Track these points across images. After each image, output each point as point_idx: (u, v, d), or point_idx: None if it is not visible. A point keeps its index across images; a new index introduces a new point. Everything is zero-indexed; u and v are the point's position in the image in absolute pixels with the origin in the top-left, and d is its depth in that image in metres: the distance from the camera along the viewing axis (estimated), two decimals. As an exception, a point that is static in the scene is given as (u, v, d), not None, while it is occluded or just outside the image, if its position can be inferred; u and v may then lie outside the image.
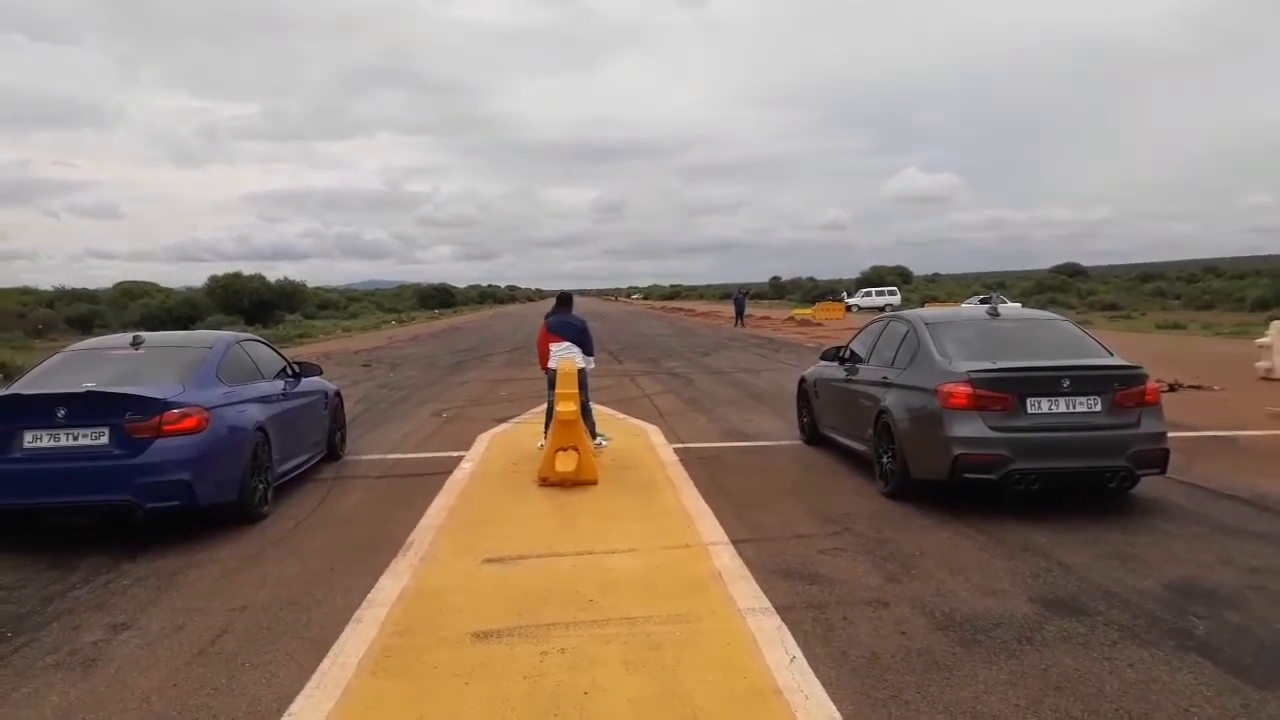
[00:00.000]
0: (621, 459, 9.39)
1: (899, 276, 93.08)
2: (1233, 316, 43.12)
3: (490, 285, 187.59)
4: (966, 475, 6.92)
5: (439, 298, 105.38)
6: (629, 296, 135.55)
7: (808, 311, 52.97)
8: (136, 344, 7.90)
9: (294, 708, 3.88)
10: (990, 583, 5.34)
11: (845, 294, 67.83)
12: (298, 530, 7.02)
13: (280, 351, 9.66)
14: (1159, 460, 7.05)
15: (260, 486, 7.44)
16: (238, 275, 54.24)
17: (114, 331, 47.67)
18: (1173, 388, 14.46)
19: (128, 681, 4.24)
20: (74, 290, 62.72)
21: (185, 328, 46.78)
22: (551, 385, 9.96)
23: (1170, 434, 7.32)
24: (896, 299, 63.45)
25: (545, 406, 10.42)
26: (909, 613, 4.86)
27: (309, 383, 9.44)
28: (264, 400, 8.02)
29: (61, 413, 6.44)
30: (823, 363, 10.41)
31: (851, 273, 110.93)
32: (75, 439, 6.45)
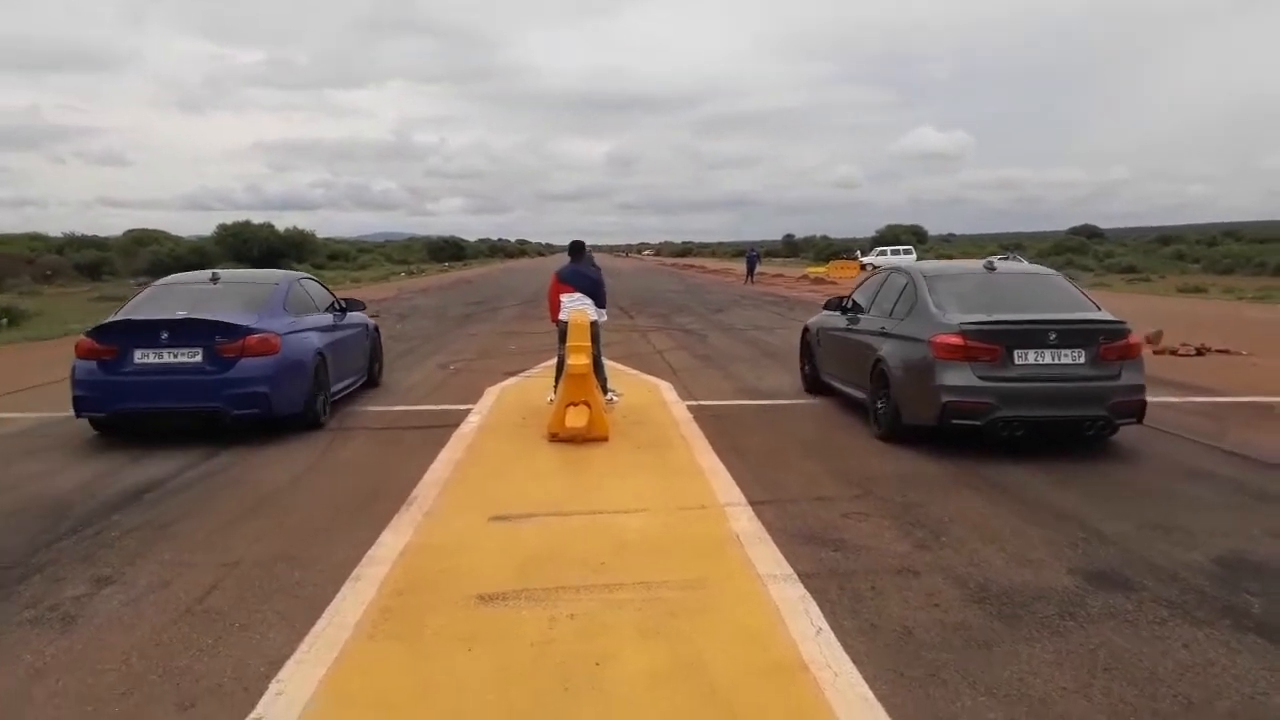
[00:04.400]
0: (633, 415, 9.09)
1: (914, 235, 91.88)
2: (1254, 281, 42.40)
3: (500, 239, 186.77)
4: (954, 421, 7.34)
5: (449, 250, 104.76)
6: (640, 253, 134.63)
7: (821, 269, 52.40)
8: (215, 280, 9.24)
9: (283, 673, 3.62)
10: (1025, 552, 5.04)
11: (859, 252, 66.98)
12: (297, 482, 6.76)
13: (329, 288, 10.85)
14: (1137, 410, 7.44)
15: (320, 400, 8.78)
16: (247, 224, 53.93)
17: (123, 277, 47.80)
18: (1200, 352, 14.06)
19: (107, 641, 3.99)
20: (84, 237, 62.40)
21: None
22: (562, 338, 9.64)
23: (1201, 399, 6.99)
24: (912, 258, 62.67)
25: (555, 360, 10.13)
26: (941, 583, 4.57)
27: (353, 316, 10.63)
28: (320, 329, 9.34)
29: (164, 335, 7.88)
30: (826, 312, 10.49)
31: (865, 231, 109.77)
32: (175, 357, 7.89)
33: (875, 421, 8.27)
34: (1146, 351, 14.42)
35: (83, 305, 28.39)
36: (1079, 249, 73.91)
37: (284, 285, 9.33)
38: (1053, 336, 7.29)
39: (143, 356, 7.89)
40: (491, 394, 10.59)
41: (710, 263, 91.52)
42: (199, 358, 7.89)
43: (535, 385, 11.03)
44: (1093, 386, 7.27)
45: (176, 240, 58.89)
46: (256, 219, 58.93)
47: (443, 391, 11.06)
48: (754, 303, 28.42)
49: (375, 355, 11.48)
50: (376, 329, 11.77)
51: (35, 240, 58.83)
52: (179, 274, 10.88)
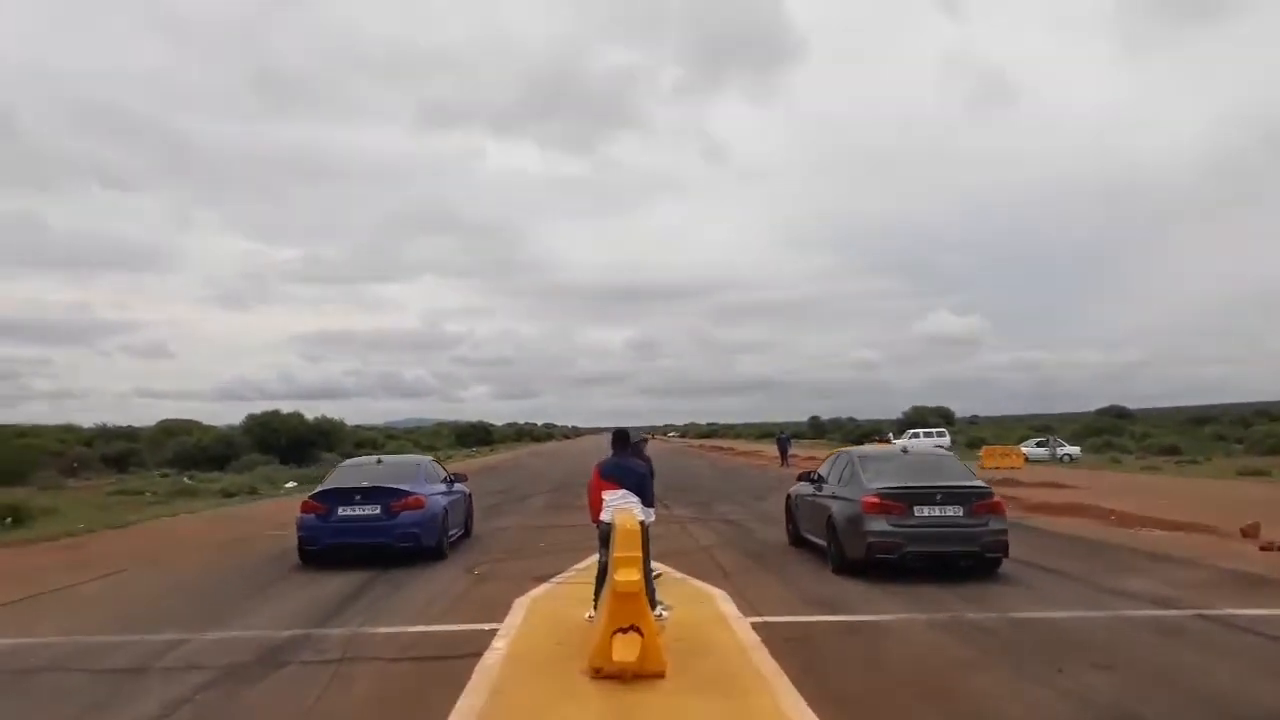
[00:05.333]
0: (690, 639, 7.54)
1: (941, 417, 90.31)
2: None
3: (527, 423, 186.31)
4: (877, 556, 10.34)
5: (476, 435, 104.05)
6: (666, 434, 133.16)
7: (855, 453, 50.76)
8: (379, 462, 14.23)
9: None
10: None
11: (891, 435, 65.46)
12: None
13: (444, 467, 15.70)
14: (1001, 549, 10.55)
15: (445, 540, 13.04)
16: (275, 413, 53.39)
17: (149, 469, 46.99)
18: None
19: None
20: (115, 428, 62.28)
21: (220, 467, 45.88)
22: (604, 542, 8.24)
23: None
24: (946, 440, 61.02)
25: (593, 563, 8.73)
26: None
27: (459, 486, 14.83)
28: (442, 494, 13.54)
29: (357, 497, 12.20)
30: (800, 483, 13.79)
31: (889, 412, 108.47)
32: (363, 510, 12.16)
33: (830, 560, 11.28)
34: (1250, 547, 12.93)
35: (99, 500, 27.27)
36: (1113, 430, 71.97)
37: (423, 464, 14.54)
38: (939, 496, 10.44)
39: (344, 510, 12.24)
40: (521, 607, 9.08)
41: (739, 444, 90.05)
42: (378, 511, 12.21)
43: (570, 595, 9.52)
44: (969, 531, 10.36)
45: (206, 429, 58.52)
46: (290, 407, 58.68)
47: (466, 604, 9.55)
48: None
49: (470, 513, 15.71)
50: (470, 495, 15.79)
51: (67, 432, 58.67)
52: (358, 458, 16.99)
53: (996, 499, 10.81)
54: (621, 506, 8.14)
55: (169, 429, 58.77)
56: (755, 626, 7.99)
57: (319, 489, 13.03)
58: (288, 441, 52.52)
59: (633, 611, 6.49)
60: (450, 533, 13.60)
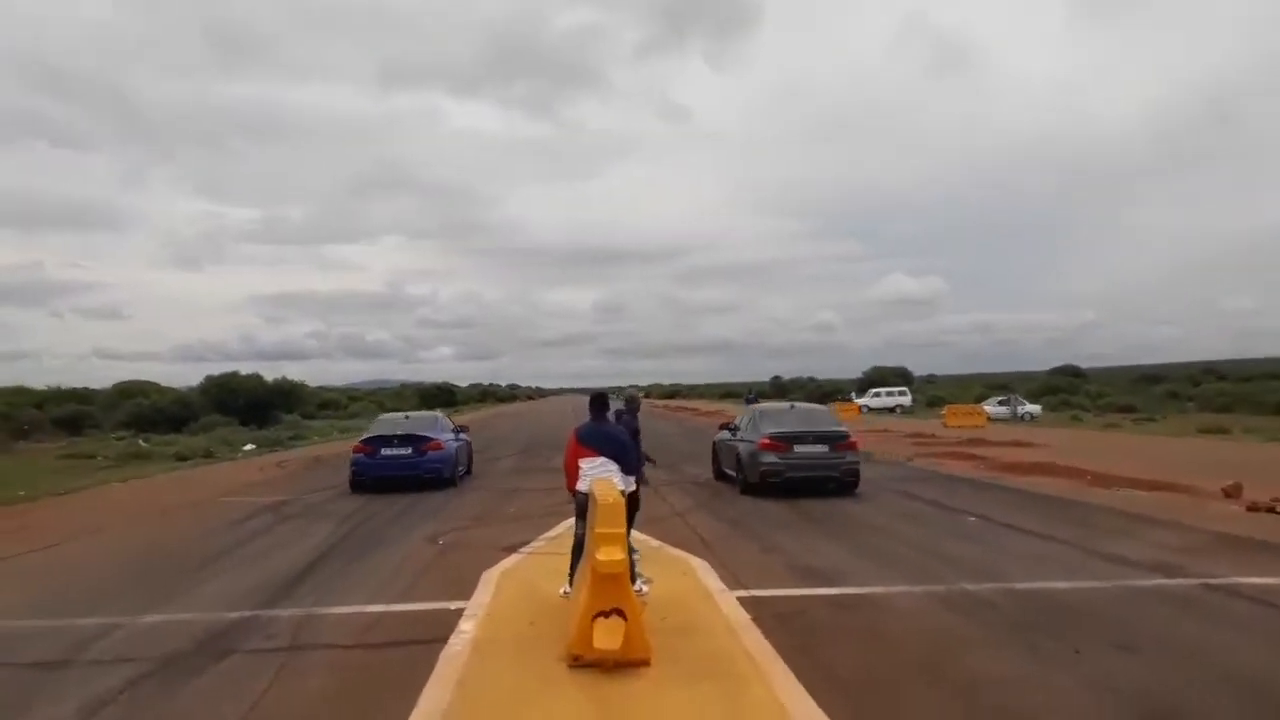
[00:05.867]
0: (674, 617, 6.91)
1: (900, 377, 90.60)
2: (1263, 420, 40.85)
3: (491, 384, 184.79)
4: (768, 480, 14.48)
5: (440, 397, 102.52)
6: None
7: (820, 412, 50.59)
8: (407, 417, 18.88)
9: None
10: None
11: (853, 394, 65.46)
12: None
13: (452, 420, 20.42)
14: (854, 475, 14.76)
15: (456, 473, 17.39)
16: (234, 375, 51.95)
17: (104, 431, 45.45)
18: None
19: None
20: (68, 390, 60.25)
21: (177, 429, 44.52)
22: (581, 514, 7.56)
23: None
24: (908, 400, 61.17)
25: (565, 531, 8.11)
26: None
27: (462, 436, 18.89)
28: (453, 440, 17.77)
29: (396, 440, 16.63)
30: (722, 432, 17.52)
31: (849, 372, 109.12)
32: (400, 451, 16.49)
33: (739, 485, 15.43)
34: (1235, 508, 12.61)
35: (49, 464, 26.10)
36: (1069, 389, 72.55)
37: (439, 418, 19.20)
38: (811, 438, 14.75)
39: (387, 450, 16.57)
40: (489, 581, 8.39)
41: (701, 404, 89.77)
42: (409, 451, 16.56)
43: (542, 567, 8.86)
44: (831, 462, 14.61)
45: (163, 391, 56.83)
46: (250, 369, 57.17)
47: (430, 579, 8.83)
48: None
49: (470, 456, 19.86)
50: (470, 443, 19.91)
51: (18, 394, 56.59)
52: (391, 413, 22.05)
53: (852, 439, 15.15)
54: (600, 476, 7.45)
55: (125, 390, 57.10)
56: (743, 602, 7.38)
57: (366, 435, 17.54)
58: (247, 403, 51.18)
59: (615, 594, 5.82)
60: (459, 469, 18.02)
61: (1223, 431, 30.79)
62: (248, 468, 23.81)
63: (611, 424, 7.98)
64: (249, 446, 31.40)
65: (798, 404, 18.23)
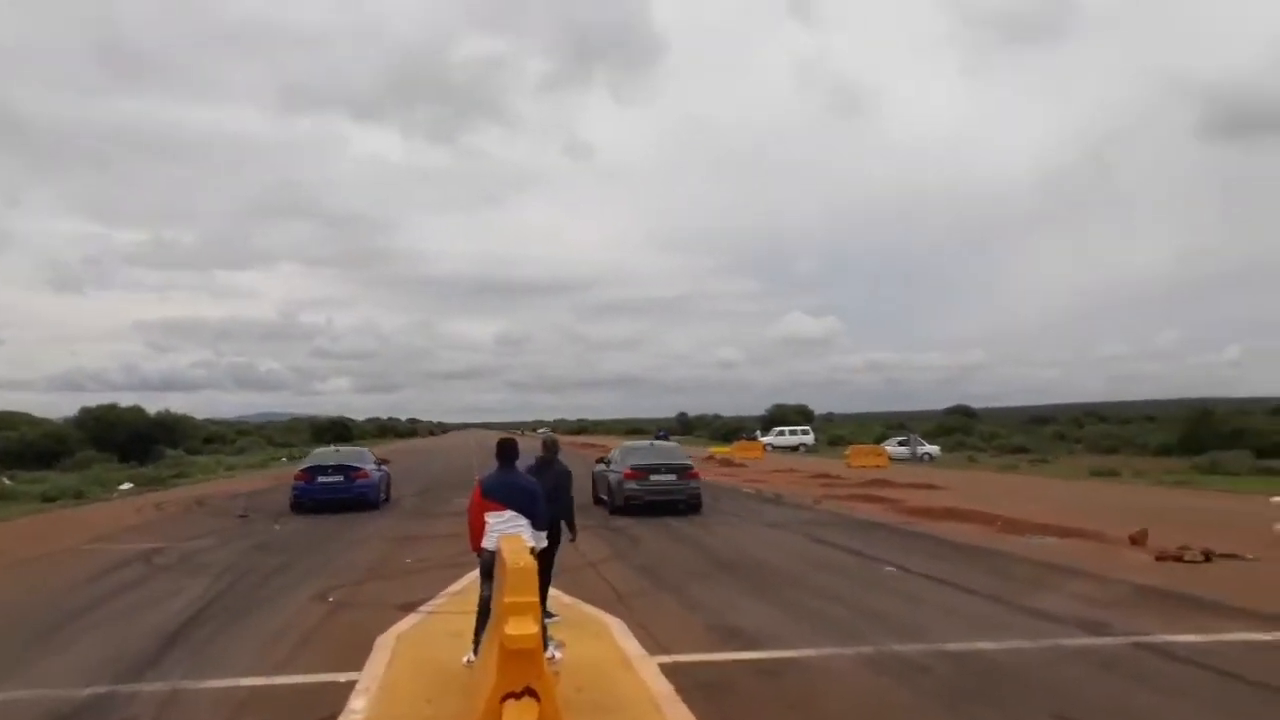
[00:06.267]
0: (591, 688, 6.29)
1: (801, 415, 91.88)
2: (1146, 462, 42.55)
3: (390, 418, 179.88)
4: (631, 503, 18.19)
5: (334, 431, 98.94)
6: (535, 431, 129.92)
7: (726, 450, 50.55)
8: (337, 450, 22.90)
9: None
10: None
11: (759, 433, 65.89)
12: None
13: (373, 454, 23.25)
14: (696, 500, 18.73)
15: (382, 500, 21.03)
16: (112, 407, 49.08)
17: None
18: (1207, 557, 12.06)
19: None
20: (-71, 420, 55.81)
21: (49, 465, 41.58)
22: (487, 574, 6.92)
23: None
24: (810, 439, 61.86)
25: (469, 585, 7.46)
26: None
27: (384, 468, 22.12)
28: (376, 470, 21.01)
29: (330, 469, 20.19)
30: (599, 465, 20.99)
31: (751, 409, 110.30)
32: (334, 479, 19.93)
33: (608, 509, 19.04)
34: (1144, 556, 12.70)
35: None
36: (963, 428, 74.69)
37: (364, 453, 23.07)
38: (663, 469, 18.67)
39: (322, 479, 19.74)
40: (384, 648, 7.61)
41: (610, 441, 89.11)
42: (342, 479, 19.80)
43: (444, 629, 8.13)
44: (679, 489, 18.46)
45: (36, 423, 53.22)
46: (134, 399, 54.54)
47: (318, 643, 7.99)
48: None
49: (389, 485, 22.54)
50: (389, 474, 22.62)
51: None
52: (323, 448, 25.10)
53: (695, 470, 19.46)
54: (508, 532, 6.82)
55: (-8, 422, 53.18)
56: (664, 668, 6.81)
57: (304, 465, 21.04)
58: (127, 437, 48.43)
59: (526, 671, 5.18)
60: (381, 494, 21.28)
61: (1113, 474, 31.81)
62: (123, 510, 22.13)
63: (520, 474, 7.36)
64: (125, 486, 29.38)
65: (655, 443, 23.50)
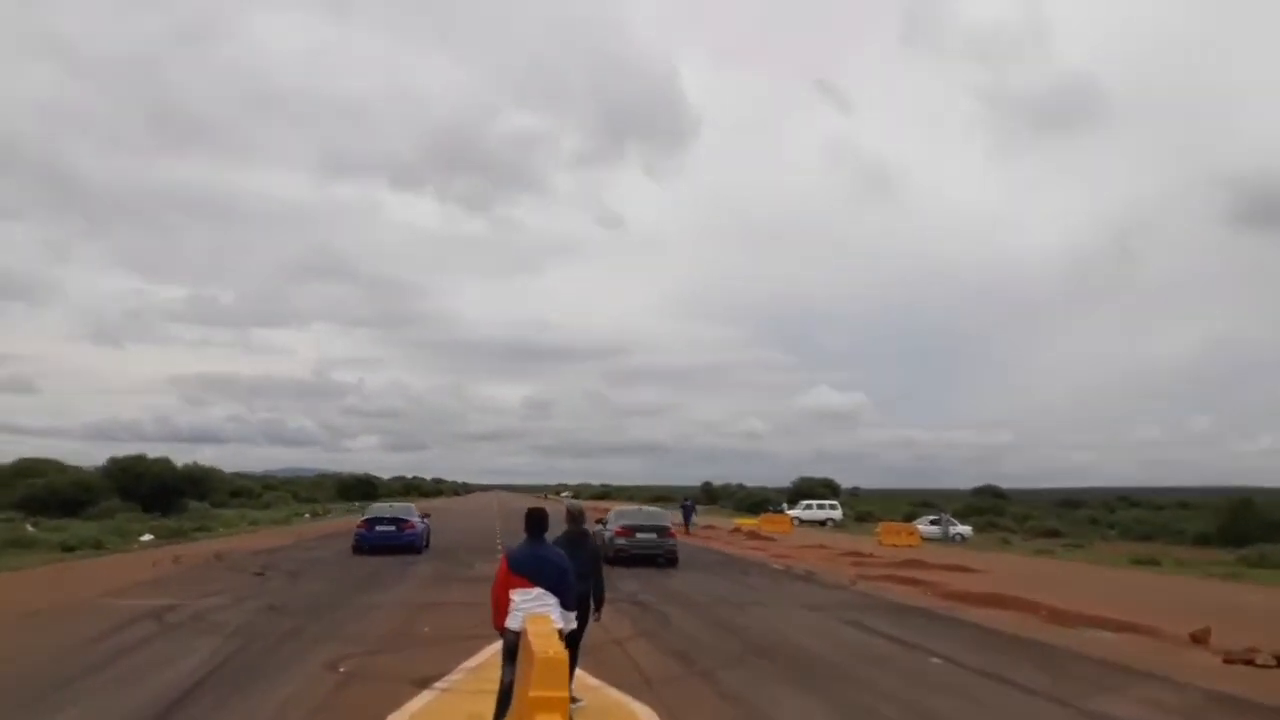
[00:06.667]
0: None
1: (828, 488, 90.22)
2: (1185, 551, 40.98)
3: (415, 477, 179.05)
4: (619, 555, 22.19)
5: (360, 488, 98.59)
6: (559, 494, 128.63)
7: (753, 522, 49.38)
8: (391, 506, 28.27)
9: None
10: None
11: (785, 505, 64.58)
12: None
13: (416, 509, 28.13)
14: (673, 556, 23.01)
15: (423, 545, 25.84)
16: (141, 458, 48.86)
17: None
18: (1280, 660, 11.06)
19: None
20: (-40, 465, 55.93)
21: (74, 513, 41.28)
22: (510, 656, 6.29)
23: None
24: (838, 514, 60.50)
25: (489, 660, 6.82)
26: None
27: (426, 520, 27.15)
28: (421, 523, 26.30)
29: (385, 520, 25.34)
30: (598, 524, 23.16)
31: (776, 480, 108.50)
32: (388, 529, 24.87)
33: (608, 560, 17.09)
34: (1209, 657, 11.76)
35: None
36: (994, 509, 72.91)
37: (411, 507, 27.72)
38: (647, 529, 23.23)
39: (380, 528, 24.52)
40: (395, 731, 6.96)
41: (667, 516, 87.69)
42: (394, 528, 24.64)
43: (459, 710, 7.47)
44: (659, 545, 22.91)
45: (63, 471, 53.19)
46: (165, 450, 54.26)
47: (323, 723, 7.35)
48: (701, 562, 25.05)
49: (429, 534, 27.11)
50: (429, 525, 27.51)
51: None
52: (380, 503, 31.72)
53: (672, 530, 24.03)
54: (535, 611, 6.21)
55: (21, 469, 53.19)
56: (701, 772, 6.10)
57: (366, 517, 25.84)
58: (152, 488, 48.09)
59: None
60: (423, 543, 25.88)
61: (1154, 563, 30.45)
62: (139, 562, 21.62)
63: (551, 547, 6.76)
64: (146, 537, 28.94)
65: (643, 507, 30.70)
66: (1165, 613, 15.85)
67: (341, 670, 9.39)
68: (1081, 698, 8.95)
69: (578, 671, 8.11)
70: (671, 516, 27.87)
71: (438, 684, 8.61)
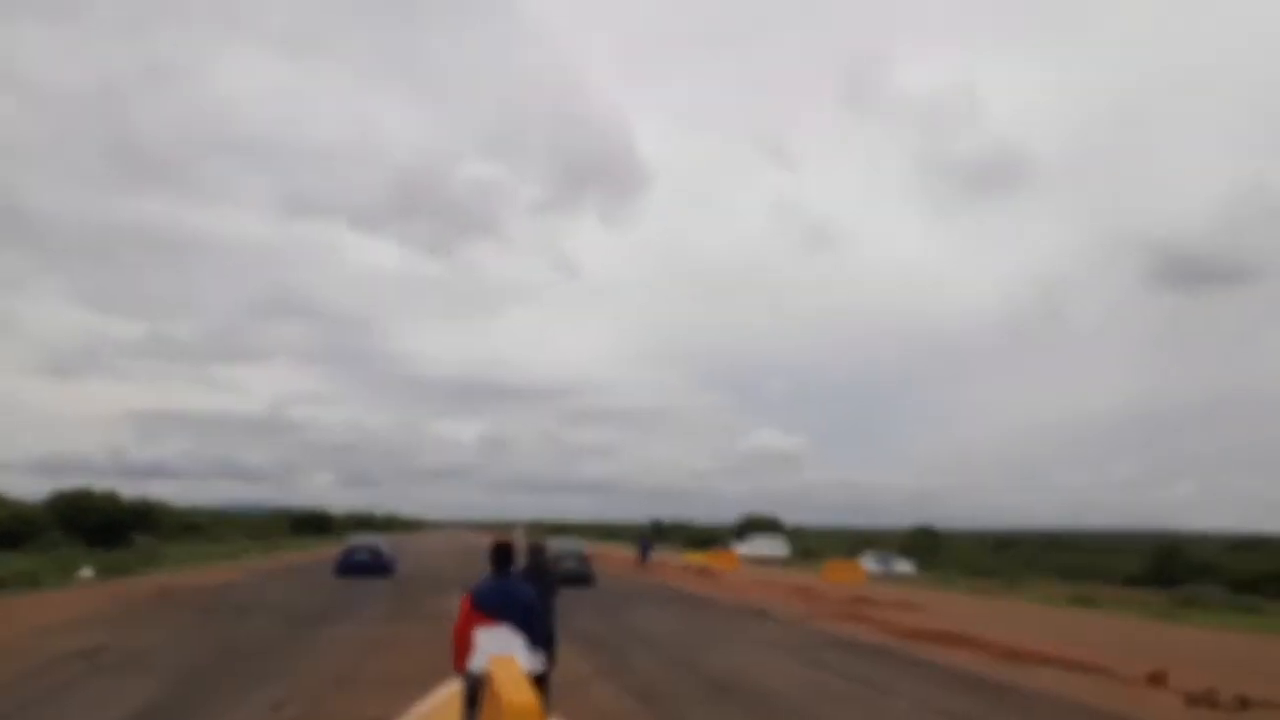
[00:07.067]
0: None
1: (772, 525, 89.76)
2: (1118, 592, 41.10)
3: (369, 512, 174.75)
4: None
5: (313, 524, 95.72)
6: (510, 530, 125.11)
7: (702, 558, 48.62)
8: (366, 538, 33.94)
9: None
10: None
11: (732, 542, 63.95)
12: None
13: (385, 543, 33.77)
14: (591, 577, 28.64)
15: (394, 569, 31.54)
16: (86, 492, 46.63)
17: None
18: (1243, 704, 10.66)
19: None
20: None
21: (14, 547, 39.06)
22: (473, 701, 5.59)
23: None
24: (784, 550, 59.99)
25: (441, 703, 6.06)
26: None
27: (392, 551, 33.37)
28: (390, 552, 32.35)
29: (362, 547, 31.55)
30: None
31: (722, 517, 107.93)
32: (365, 557, 30.80)
33: None
34: (1171, 698, 11.37)
35: None
36: (931, 548, 72.95)
37: (380, 539, 33.54)
38: (570, 554, 28.81)
39: (357, 556, 30.64)
40: (341, 784, 6.17)
41: (586, 545, 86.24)
42: (368, 557, 30.55)
43: (412, 762, 6.68)
44: (580, 569, 28.33)
45: (5, 505, 50.55)
46: (117, 484, 51.79)
47: (261, 775, 6.52)
48: (655, 599, 24.25)
49: (395, 561, 31.80)
50: (395, 555, 32.93)
51: None
52: (356, 535, 37.80)
53: (588, 555, 29.90)
54: (500, 652, 5.53)
55: (-39, 502, 50.43)
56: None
57: (345, 547, 31.81)
58: (98, 523, 45.83)
59: None
60: (394, 567, 31.26)
61: (1092, 602, 30.37)
62: (76, 600, 20.20)
63: (518, 582, 6.09)
64: (86, 572, 27.23)
65: (565, 540, 35.35)
66: (1113, 652, 15.55)
67: (284, 713, 8.51)
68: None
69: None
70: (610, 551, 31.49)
71: (389, 728, 7.80)
